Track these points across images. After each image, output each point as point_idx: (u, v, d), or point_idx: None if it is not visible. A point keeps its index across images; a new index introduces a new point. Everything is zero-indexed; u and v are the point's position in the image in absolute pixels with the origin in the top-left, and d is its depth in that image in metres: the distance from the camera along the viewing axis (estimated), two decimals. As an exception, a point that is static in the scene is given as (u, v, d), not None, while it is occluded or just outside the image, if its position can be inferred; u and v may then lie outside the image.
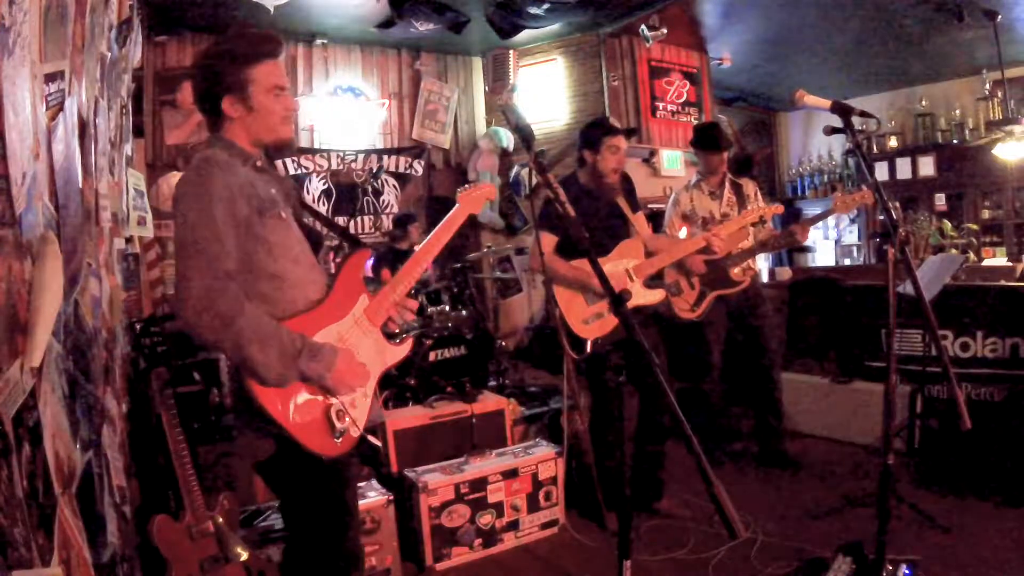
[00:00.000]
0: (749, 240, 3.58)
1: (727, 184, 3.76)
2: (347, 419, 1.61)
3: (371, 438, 1.71)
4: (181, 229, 1.50)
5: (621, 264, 3.00)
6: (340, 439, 1.59)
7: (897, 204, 6.87)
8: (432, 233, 1.91)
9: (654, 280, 3.11)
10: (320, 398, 1.58)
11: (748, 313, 3.67)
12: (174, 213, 1.54)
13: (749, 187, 3.81)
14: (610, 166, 3.00)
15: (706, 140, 3.72)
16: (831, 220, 8.45)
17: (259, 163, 1.67)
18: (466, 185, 2.04)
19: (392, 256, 4.88)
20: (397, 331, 1.82)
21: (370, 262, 5.20)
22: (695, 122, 6.67)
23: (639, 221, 3.15)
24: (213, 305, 1.42)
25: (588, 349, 2.90)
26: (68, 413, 1.55)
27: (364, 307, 1.75)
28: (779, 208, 3.39)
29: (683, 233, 3.81)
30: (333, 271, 1.78)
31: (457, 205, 1.98)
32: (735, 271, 3.56)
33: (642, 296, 2.98)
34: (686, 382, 3.87)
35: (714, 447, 3.80)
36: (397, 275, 1.83)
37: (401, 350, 1.84)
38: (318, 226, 2.12)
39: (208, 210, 1.48)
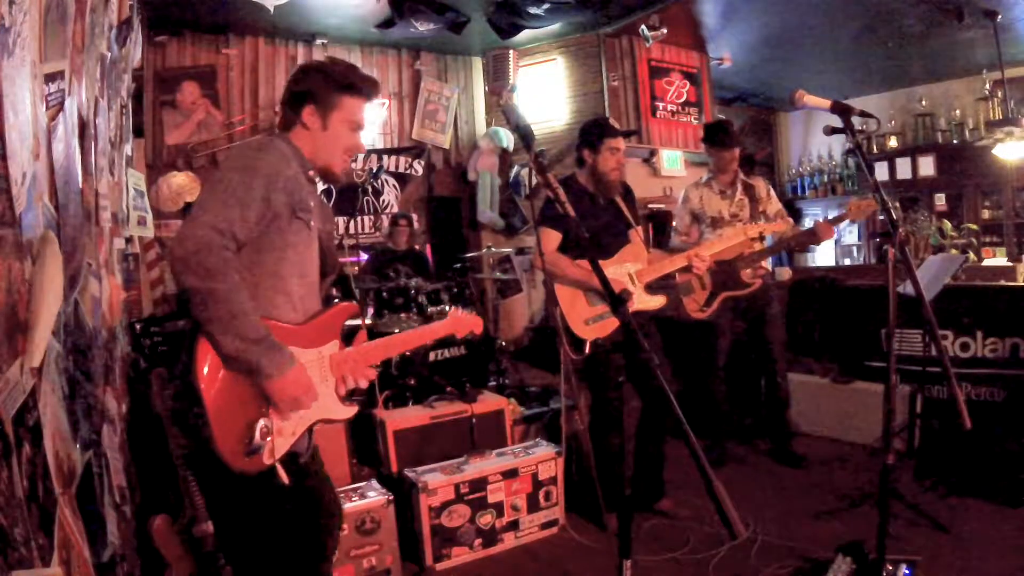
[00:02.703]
0: (762, 243, 3.55)
1: (739, 184, 3.71)
2: (268, 440, 1.56)
3: (282, 473, 1.66)
4: (215, 181, 1.55)
5: (624, 267, 3.00)
6: (251, 456, 1.53)
7: (897, 204, 6.87)
8: (413, 331, 2.01)
9: (658, 285, 3.11)
10: (253, 406, 1.55)
11: (757, 313, 3.66)
12: (219, 162, 1.60)
13: (761, 187, 3.76)
14: (609, 166, 3.00)
15: (716, 136, 3.67)
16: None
17: (311, 174, 1.73)
18: (460, 311, 2.12)
19: (385, 257, 4.89)
20: (343, 394, 1.79)
21: (365, 259, 5.22)
22: (695, 122, 6.67)
23: (635, 236, 3.14)
24: (204, 255, 1.42)
25: (587, 350, 2.90)
26: (68, 413, 1.55)
27: (331, 352, 1.75)
28: (779, 226, 3.35)
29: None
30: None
31: (447, 320, 2.09)
32: (746, 273, 3.54)
33: (643, 301, 2.98)
34: (692, 381, 3.86)
35: (715, 446, 3.80)
36: (371, 345, 1.85)
37: (345, 411, 1.79)
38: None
39: (249, 178, 1.53)
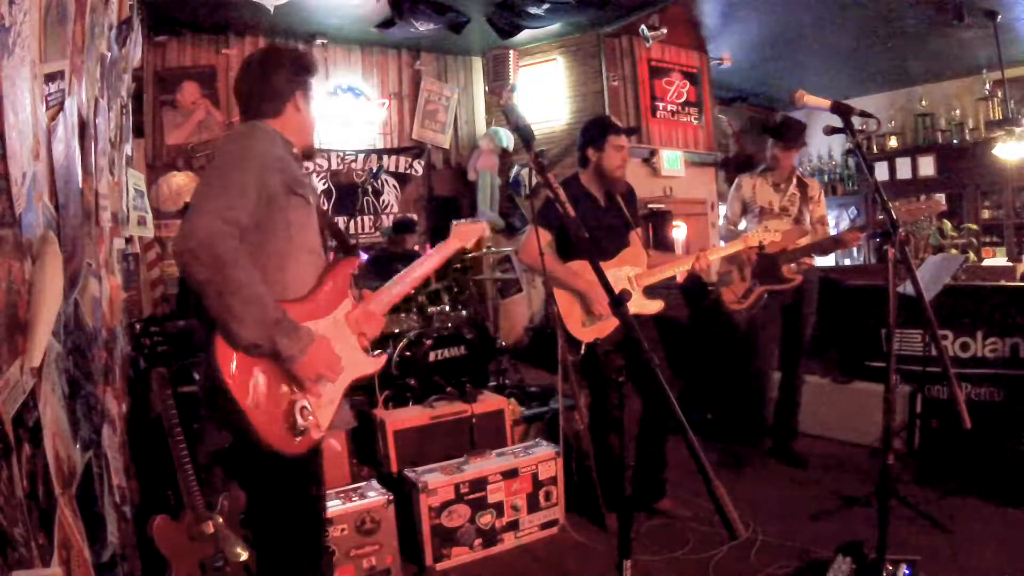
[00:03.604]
0: (807, 239, 3.54)
1: (794, 180, 3.71)
2: (310, 417, 1.58)
3: (333, 442, 1.68)
4: (210, 170, 1.58)
5: (623, 271, 2.99)
6: (300, 438, 1.56)
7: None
8: (421, 261, 2.02)
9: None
10: (286, 391, 1.56)
11: (795, 309, 3.65)
12: (211, 157, 1.63)
13: (815, 188, 3.75)
14: (615, 164, 2.99)
15: (785, 134, 3.66)
16: (831, 220, 8.45)
17: (295, 151, 1.79)
18: (462, 220, 2.13)
19: (386, 259, 4.89)
20: (367, 346, 1.83)
21: (365, 259, 5.22)
22: (695, 122, 6.68)
23: (635, 238, 3.14)
24: (214, 244, 1.42)
25: (582, 351, 2.89)
26: (68, 413, 1.55)
27: (346, 311, 1.76)
28: (776, 236, 3.35)
29: (743, 224, 3.79)
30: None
31: (451, 237, 2.10)
32: (788, 268, 3.53)
33: (640, 305, 2.98)
34: (728, 380, 3.85)
35: (728, 450, 3.77)
36: (382, 290, 1.89)
37: (374, 363, 1.84)
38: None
39: (243, 163, 1.56)
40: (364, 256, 5.38)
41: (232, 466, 1.77)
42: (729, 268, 3.56)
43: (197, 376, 1.60)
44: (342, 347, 1.70)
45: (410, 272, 1.99)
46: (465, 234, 2.12)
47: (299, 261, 1.67)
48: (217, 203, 1.47)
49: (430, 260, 2.05)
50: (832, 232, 3.87)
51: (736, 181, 3.86)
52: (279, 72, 1.77)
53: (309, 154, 1.90)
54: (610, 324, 2.90)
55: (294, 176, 1.67)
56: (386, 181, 6.25)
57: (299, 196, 1.66)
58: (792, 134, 3.66)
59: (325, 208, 2.01)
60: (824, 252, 3.70)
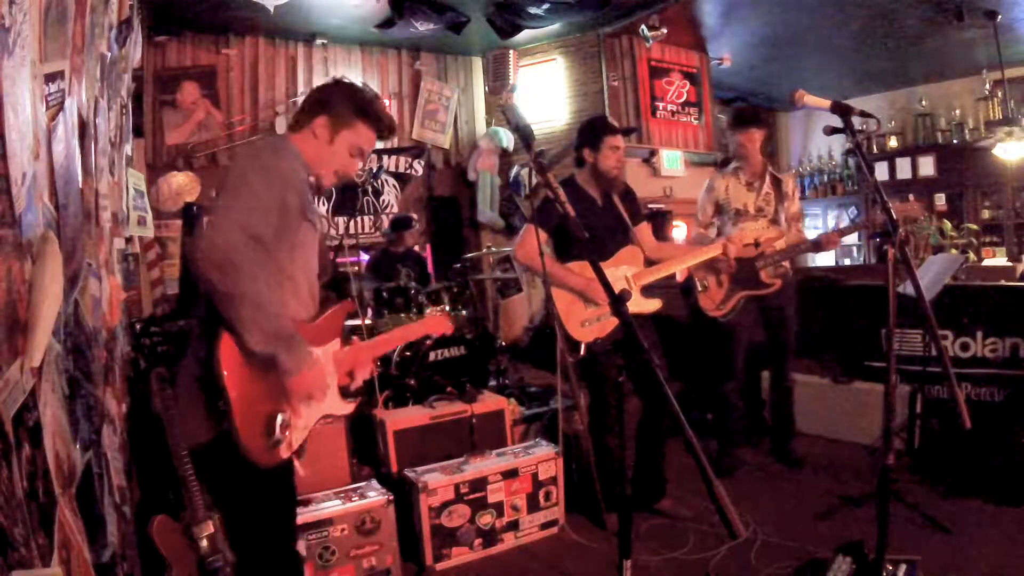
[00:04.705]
0: (782, 242, 3.50)
1: (767, 177, 3.61)
2: (286, 432, 1.62)
3: (297, 465, 1.73)
4: (236, 181, 1.57)
5: (621, 270, 2.99)
6: (272, 449, 1.59)
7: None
8: (397, 330, 2.18)
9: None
10: (271, 402, 1.59)
11: (775, 313, 3.63)
12: (233, 167, 1.65)
13: (789, 184, 3.67)
14: (611, 164, 2.99)
15: (734, 117, 3.63)
16: (831, 220, 8.46)
17: (310, 177, 1.79)
18: (437, 311, 2.25)
19: (387, 260, 4.88)
20: (348, 385, 1.91)
21: (365, 260, 5.23)
22: (695, 122, 6.68)
23: (643, 232, 3.13)
24: (232, 254, 1.45)
25: (582, 352, 2.89)
26: (68, 413, 1.55)
27: (334, 350, 1.83)
28: (777, 234, 3.32)
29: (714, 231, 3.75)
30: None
31: (425, 320, 2.25)
32: (766, 272, 3.51)
33: (638, 304, 2.98)
34: (708, 383, 3.84)
35: (724, 454, 3.75)
36: (366, 344, 1.97)
37: (345, 407, 1.89)
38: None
39: (269, 181, 1.57)
40: (364, 257, 5.38)
41: (200, 467, 1.80)
42: (705, 274, 3.52)
43: (185, 368, 1.62)
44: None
45: (385, 338, 2.12)
46: (438, 325, 2.24)
47: (298, 282, 1.71)
48: (240, 216, 1.50)
49: (395, 335, 2.19)
50: (830, 230, 3.86)
51: (707, 182, 3.76)
52: (322, 92, 1.79)
53: (318, 186, 1.86)
54: (610, 324, 2.90)
55: (307, 201, 1.71)
56: (386, 181, 6.25)
57: (309, 221, 1.71)
58: (743, 113, 3.63)
59: (325, 237, 2.06)
60: (803, 253, 3.67)
